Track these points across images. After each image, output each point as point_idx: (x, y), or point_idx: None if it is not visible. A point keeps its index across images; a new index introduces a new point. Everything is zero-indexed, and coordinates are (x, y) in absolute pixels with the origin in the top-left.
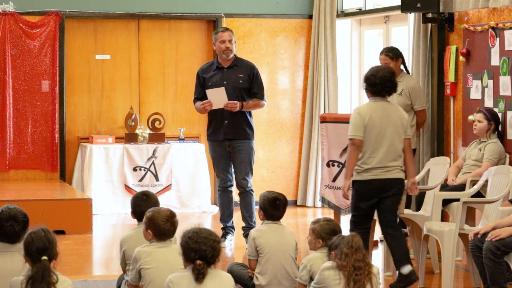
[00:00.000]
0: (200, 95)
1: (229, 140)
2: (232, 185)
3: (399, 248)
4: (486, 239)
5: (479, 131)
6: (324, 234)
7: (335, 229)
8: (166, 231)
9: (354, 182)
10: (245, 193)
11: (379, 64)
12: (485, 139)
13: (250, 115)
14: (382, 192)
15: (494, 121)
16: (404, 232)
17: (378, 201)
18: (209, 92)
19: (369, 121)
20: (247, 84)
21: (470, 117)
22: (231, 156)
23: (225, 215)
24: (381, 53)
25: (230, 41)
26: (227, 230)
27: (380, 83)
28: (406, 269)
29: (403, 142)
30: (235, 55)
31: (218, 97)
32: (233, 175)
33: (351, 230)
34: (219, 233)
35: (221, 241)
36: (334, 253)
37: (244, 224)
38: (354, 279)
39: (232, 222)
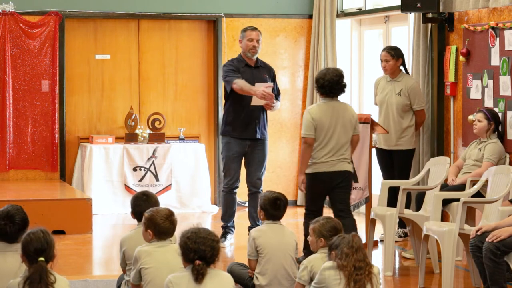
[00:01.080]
0: (238, 74)
1: (252, 140)
2: (238, 187)
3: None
4: (487, 239)
5: (479, 131)
6: (325, 232)
7: (335, 226)
8: (165, 229)
9: (307, 175)
10: (256, 194)
11: (380, 62)
12: (485, 139)
13: None
14: (330, 184)
15: (494, 121)
16: (404, 232)
17: (328, 193)
18: (258, 85)
19: (319, 120)
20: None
21: (470, 117)
22: (247, 155)
23: (228, 215)
24: (383, 50)
25: (258, 40)
26: (227, 229)
27: (327, 85)
28: None
29: (350, 138)
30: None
31: None
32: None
33: (304, 223)
34: (219, 233)
35: (220, 240)
36: (335, 253)
37: (250, 224)
38: (355, 279)
39: (233, 222)
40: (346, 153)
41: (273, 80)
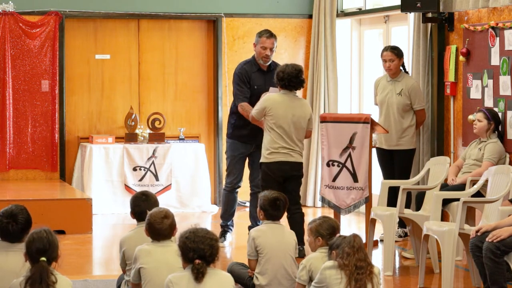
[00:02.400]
0: (248, 95)
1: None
2: (240, 186)
3: (296, 228)
4: (487, 239)
5: (479, 131)
6: (322, 230)
7: (332, 225)
8: (158, 231)
9: (262, 164)
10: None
11: (381, 62)
12: (485, 138)
13: None
14: (286, 172)
15: (494, 121)
16: (404, 232)
17: (283, 182)
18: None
19: (271, 107)
20: None
21: (470, 117)
22: (251, 155)
23: (228, 214)
24: (385, 50)
25: (271, 49)
26: (226, 228)
27: (286, 78)
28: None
29: (305, 132)
30: None
31: None
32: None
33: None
34: (218, 233)
35: (219, 239)
36: (336, 253)
37: (250, 224)
38: (356, 278)
39: (232, 221)
40: (300, 145)
41: None
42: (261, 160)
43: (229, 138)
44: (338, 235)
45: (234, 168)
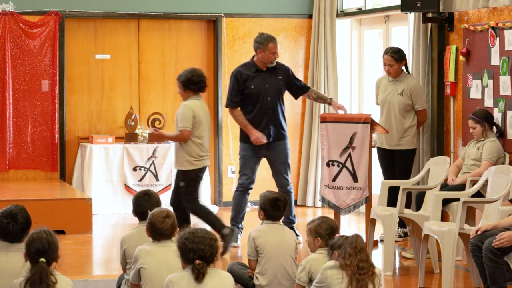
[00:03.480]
0: (238, 99)
1: (269, 142)
2: (252, 188)
3: (210, 219)
4: (494, 242)
5: (477, 136)
6: (321, 231)
7: (331, 225)
8: (159, 230)
9: (189, 171)
10: (286, 193)
11: (381, 62)
12: (483, 138)
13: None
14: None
15: (486, 121)
16: (404, 232)
17: None
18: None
19: (198, 115)
20: (285, 86)
21: None
22: (269, 157)
23: (239, 216)
24: (386, 52)
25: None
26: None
27: (197, 81)
28: (225, 230)
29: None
30: None
31: None
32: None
33: (194, 211)
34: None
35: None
36: (337, 253)
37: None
38: (357, 279)
39: (242, 224)
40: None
41: (289, 77)
42: (187, 168)
43: (242, 142)
44: (337, 235)
45: (245, 167)
